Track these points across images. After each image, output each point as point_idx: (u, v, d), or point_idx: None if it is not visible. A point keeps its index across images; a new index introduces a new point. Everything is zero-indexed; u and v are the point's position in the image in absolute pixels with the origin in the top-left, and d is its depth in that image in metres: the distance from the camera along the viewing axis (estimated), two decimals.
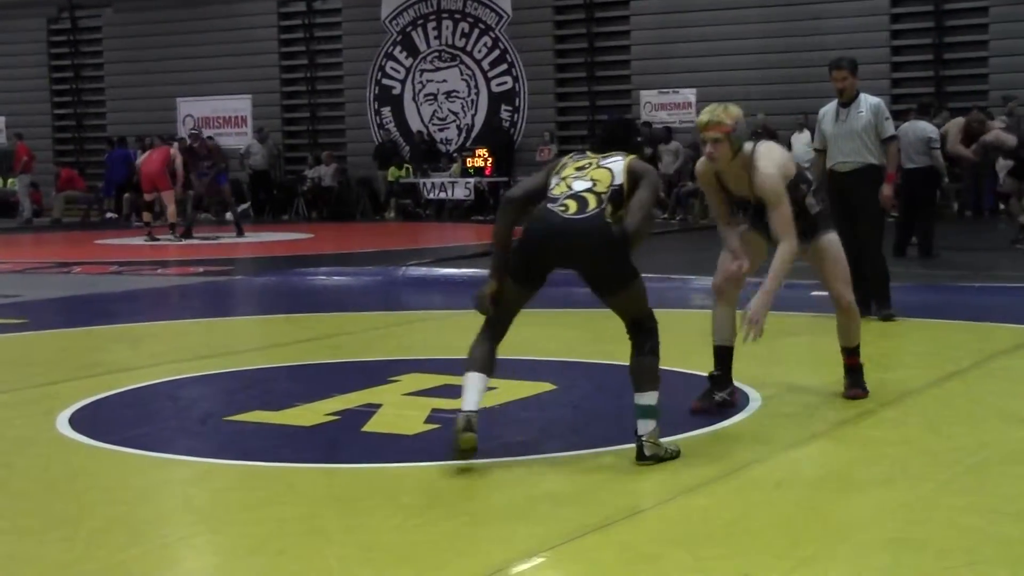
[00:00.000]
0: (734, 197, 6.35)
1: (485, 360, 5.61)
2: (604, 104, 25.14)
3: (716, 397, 6.49)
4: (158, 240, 19.64)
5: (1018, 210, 15.53)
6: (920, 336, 9.20)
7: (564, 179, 5.61)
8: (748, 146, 6.18)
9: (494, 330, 5.70)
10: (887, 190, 9.71)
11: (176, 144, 20.97)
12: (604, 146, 5.75)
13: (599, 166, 5.61)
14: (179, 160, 19.98)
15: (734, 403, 6.54)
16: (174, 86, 28.48)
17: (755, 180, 6.13)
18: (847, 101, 9.71)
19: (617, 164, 5.59)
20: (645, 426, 5.44)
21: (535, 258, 5.55)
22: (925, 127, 14.63)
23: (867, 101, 9.72)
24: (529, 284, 5.62)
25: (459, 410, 5.43)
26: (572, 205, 5.47)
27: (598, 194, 5.48)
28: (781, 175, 6.17)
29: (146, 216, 20.46)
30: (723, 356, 6.54)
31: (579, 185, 5.54)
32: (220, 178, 20.72)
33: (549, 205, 5.53)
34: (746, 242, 6.44)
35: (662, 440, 5.49)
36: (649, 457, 5.41)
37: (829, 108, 9.89)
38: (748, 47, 23.43)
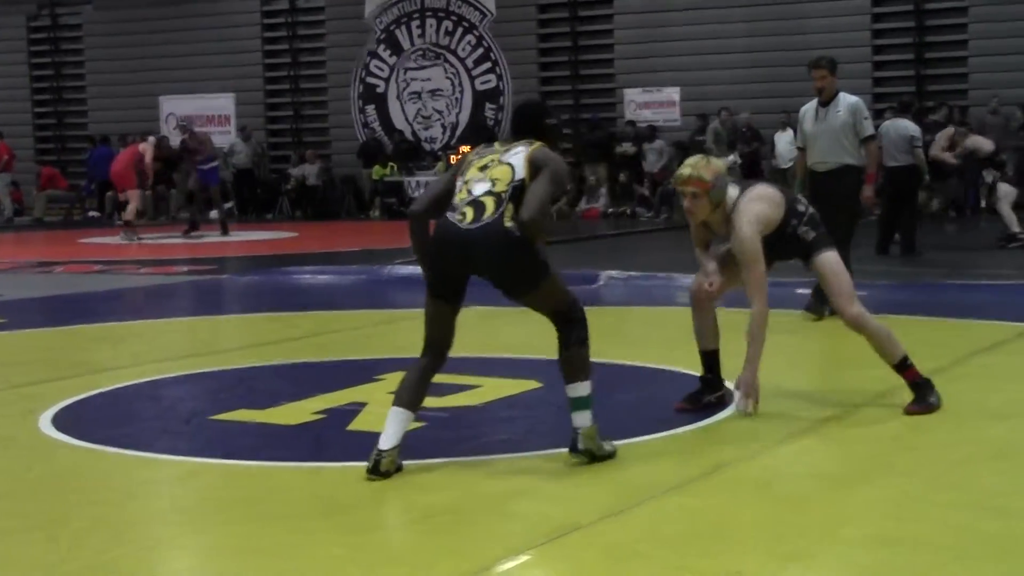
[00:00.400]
0: (718, 234, 6.39)
1: (409, 394, 5.46)
2: (588, 103, 25.16)
3: (704, 399, 6.50)
4: (140, 239, 19.58)
5: (1010, 215, 15.57)
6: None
7: (466, 182, 5.44)
8: (732, 194, 6.21)
9: (432, 353, 5.56)
10: (868, 191, 9.71)
11: (150, 140, 20.80)
12: (515, 134, 5.56)
13: (500, 162, 5.43)
14: (149, 157, 19.83)
15: (724, 405, 6.53)
16: (156, 84, 28.39)
17: (733, 238, 6.19)
18: (826, 100, 9.72)
19: (518, 157, 5.41)
20: (581, 418, 5.38)
21: (440, 272, 5.45)
22: (907, 125, 14.70)
23: (845, 100, 9.72)
24: (446, 298, 5.49)
25: (377, 444, 5.31)
26: (469, 213, 5.33)
27: (497, 195, 5.31)
28: (758, 232, 6.17)
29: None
30: (709, 360, 6.55)
31: (478, 188, 5.38)
32: (212, 177, 20.59)
33: (448, 214, 5.39)
34: (726, 266, 6.43)
35: (605, 445, 5.46)
36: (582, 451, 5.36)
37: (809, 107, 9.90)
38: (732, 46, 23.46)
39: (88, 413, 6.87)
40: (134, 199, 19.64)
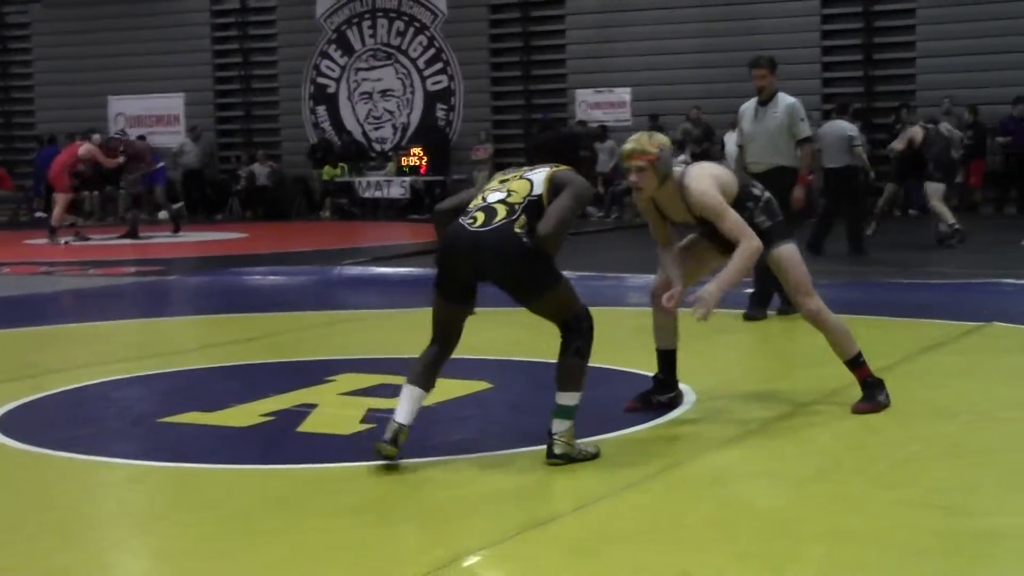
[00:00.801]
0: (675, 223, 6.28)
1: (423, 375, 5.53)
2: (539, 103, 25.21)
3: (655, 400, 6.49)
4: (89, 239, 19.43)
5: (943, 211, 15.75)
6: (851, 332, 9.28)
7: (484, 191, 5.57)
8: (677, 171, 6.10)
9: (439, 346, 5.61)
10: (798, 192, 9.59)
11: (95, 139, 20.58)
12: (548, 158, 5.67)
13: (521, 177, 5.55)
14: (100, 157, 19.63)
15: (675, 406, 6.53)
16: (105, 84, 28.19)
17: (692, 201, 6.03)
18: (765, 100, 9.71)
19: (539, 175, 5.52)
20: (559, 425, 5.41)
21: (448, 272, 5.50)
22: (845, 126, 14.92)
23: (783, 101, 9.69)
24: (455, 299, 5.53)
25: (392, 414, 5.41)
26: (480, 217, 5.41)
27: (511, 205, 5.41)
28: (717, 186, 6.07)
29: (69, 217, 20.13)
30: (666, 360, 6.52)
31: (493, 197, 5.49)
32: (158, 178, 20.39)
33: (461, 218, 5.49)
34: (693, 254, 6.36)
35: (580, 441, 5.47)
36: (559, 455, 5.38)
37: (749, 106, 9.88)
38: (683, 46, 23.58)
39: (35, 416, 6.80)
40: (60, 203, 19.41)
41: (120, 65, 28.03)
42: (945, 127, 16.24)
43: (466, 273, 5.47)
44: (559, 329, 5.55)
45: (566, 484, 5.18)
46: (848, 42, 23.20)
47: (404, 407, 5.41)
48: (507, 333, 8.72)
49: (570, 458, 5.39)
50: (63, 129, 27.56)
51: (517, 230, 5.35)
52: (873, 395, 6.35)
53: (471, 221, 5.43)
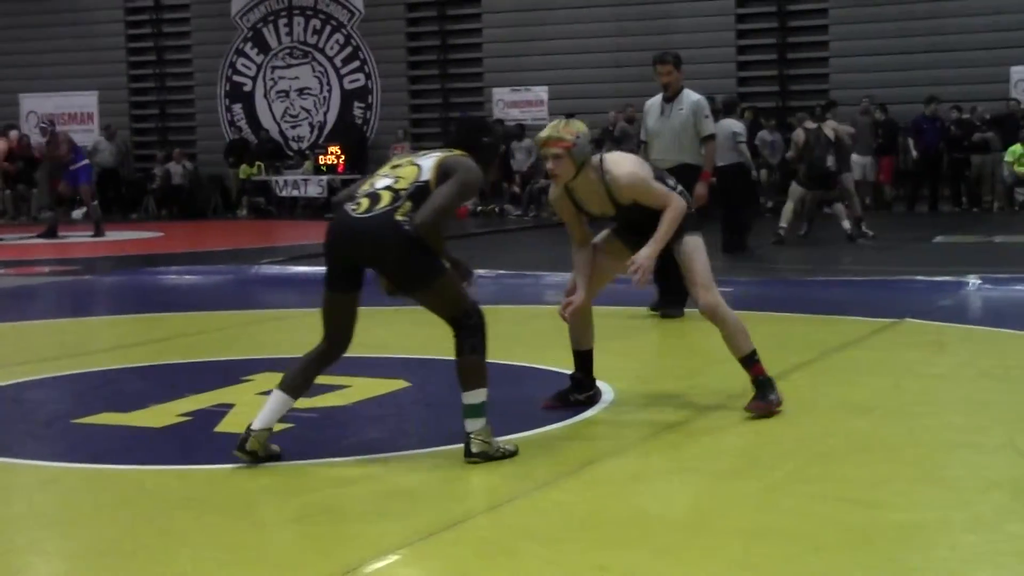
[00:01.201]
0: (594, 217, 6.26)
1: (297, 378, 5.50)
2: (457, 101, 25.21)
3: (572, 398, 6.51)
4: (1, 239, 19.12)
5: (842, 211, 16.02)
6: (765, 329, 9.38)
7: (373, 177, 5.56)
8: (595, 159, 6.08)
9: (327, 343, 5.55)
10: (701, 189, 9.49)
11: (12, 135, 20.14)
12: (449, 144, 5.64)
13: (412, 163, 5.51)
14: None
15: (593, 404, 6.54)
16: (16, 81, 27.77)
17: (620, 185, 6.03)
18: (671, 96, 9.68)
19: (429, 160, 5.47)
20: (473, 424, 5.38)
21: (332, 259, 5.47)
22: (731, 124, 15.28)
23: (688, 98, 9.65)
24: (341, 288, 5.46)
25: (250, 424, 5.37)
26: (364, 203, 5.38)
27: (396, 191, 5.37)
28: (639, 166, 6.15)
29: None
30: (582, 359, 6.52)
31: (381, 183, 5.46)
32: (82, 175, 19.90)
33: (346, 204, 5.45)
34: (606, 254, 6.36)
35: (499, 439, 5.47)
36: (477, 454, 5.35)
37: (654, 102, 9.83)
38: (599, 45, 23.68)
39: None
40: None
41: (32, 62, 27.62)
42: (831, 127, 16.26)
43: (349, 260, 5.42)
44: (451, 327, 5.49)
45: (482, 483, 5.18)
46: (763, 41, 23.43)
47: (262, 412, 5.36)
48: (425, 331, 8.70)
49: (488, 456, 5.38)
50: None
51: (399, 217, 5.30)
52: (765, 394, 6.26)
53: (355, 207, 5.39)
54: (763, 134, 22.24)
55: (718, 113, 14.03)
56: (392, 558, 4.21)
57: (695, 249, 6.23)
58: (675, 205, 6.06)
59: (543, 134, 6.07)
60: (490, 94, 24.83)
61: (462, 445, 5.40)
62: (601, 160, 6.10)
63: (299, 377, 5.51)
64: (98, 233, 19.58)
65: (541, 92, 24.46)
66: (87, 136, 26.60)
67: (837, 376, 7.43)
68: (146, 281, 13.62)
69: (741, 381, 6.96)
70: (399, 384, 7.27)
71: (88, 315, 11.78)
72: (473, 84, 25.30)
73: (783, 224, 15.87)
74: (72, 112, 27.67)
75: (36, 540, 4.63)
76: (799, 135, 16.05)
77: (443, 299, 5.43)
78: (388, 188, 5.41)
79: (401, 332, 9.20)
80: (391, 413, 6.63)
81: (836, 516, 4.59)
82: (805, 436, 5.88)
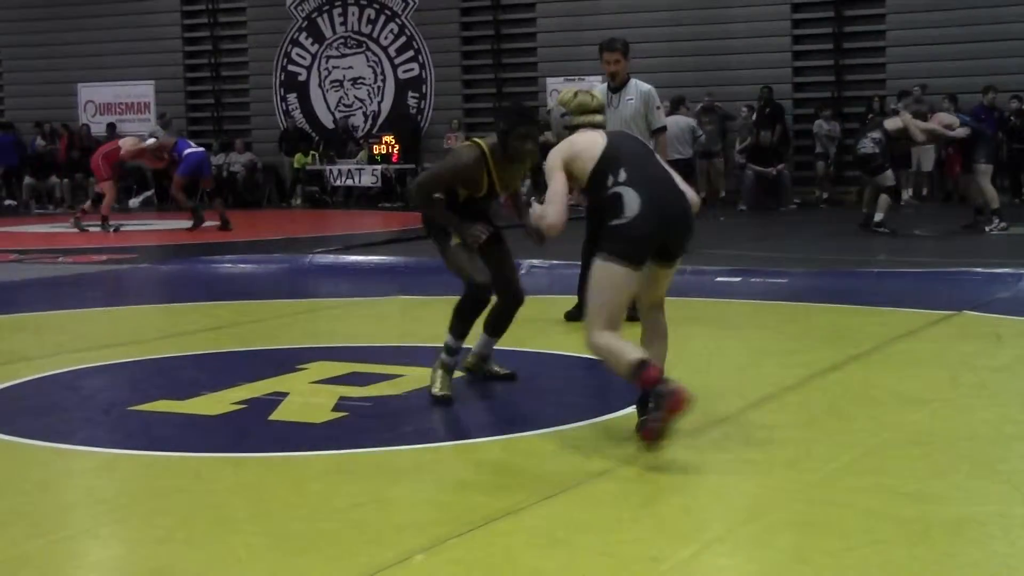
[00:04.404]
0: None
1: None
2: (511, 91, 25.18)
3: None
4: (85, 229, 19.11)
5: (870, 200, 15.77)
6: (820, 321, 9.34)
7: None
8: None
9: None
10: None
11: (151, 141, 19.76)
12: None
13: None
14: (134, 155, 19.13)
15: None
16: (74, 71, 28.01)
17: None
18: (618, 86, 9.20)
19: None
20: (439, 358, 6.44)
21: None
22: (684, 119, 16.26)
23: (638, 88, 9.20)
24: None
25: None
26: None
27: None
28: (570, 152, 5.57)
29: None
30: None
31: None
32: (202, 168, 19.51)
33: None
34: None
35: (441, 383, 6.38)
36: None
37: (598, 92, 9.47)
38: (654, 35, 23.56)
39: (6, 404, 6.76)
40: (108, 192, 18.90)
41: (89, 52, 27.85)
42: (903, 120, 15.91)
43: None
44: None
45: (536, 473, 5.18)
46: (819, 31, 23.24)
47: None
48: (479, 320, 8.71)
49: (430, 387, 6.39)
50: (31, 117, 27.43)
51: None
52: (647, 418, 5.33)
53: None
54: (819, 123, 22.12)
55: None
56: (443, 548, 4.21)
57: (594, 278, 5.42)
58: (549, 210, 5.45)
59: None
60: (544, 84, 24.78)
61: (516, 436, 5.42)
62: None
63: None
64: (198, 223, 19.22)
65: (595, 81, 24.33)
66: (143, 125, 26.78)
67: (892, 368, 7.37)
68: (202, 270, 13.72)
69: (794, 372, 6.94)
70: (457, 372, 7.26)
71: (144, 303, 11.88)
72: (527, 74, 25.25)
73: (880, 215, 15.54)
74: (129, 102, 27.90)
75: (92, 526, 4.67)
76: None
77: (451, 266, 6.49)
78: None
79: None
80: (442, 404, 6.63)
81: (891, 510, 4.55)
82: (860, 428, 5.84)
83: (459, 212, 6.48)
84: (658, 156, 5.83)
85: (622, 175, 5.36)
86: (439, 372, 6.43)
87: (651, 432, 5.17)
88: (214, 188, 20.81)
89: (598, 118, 5.77)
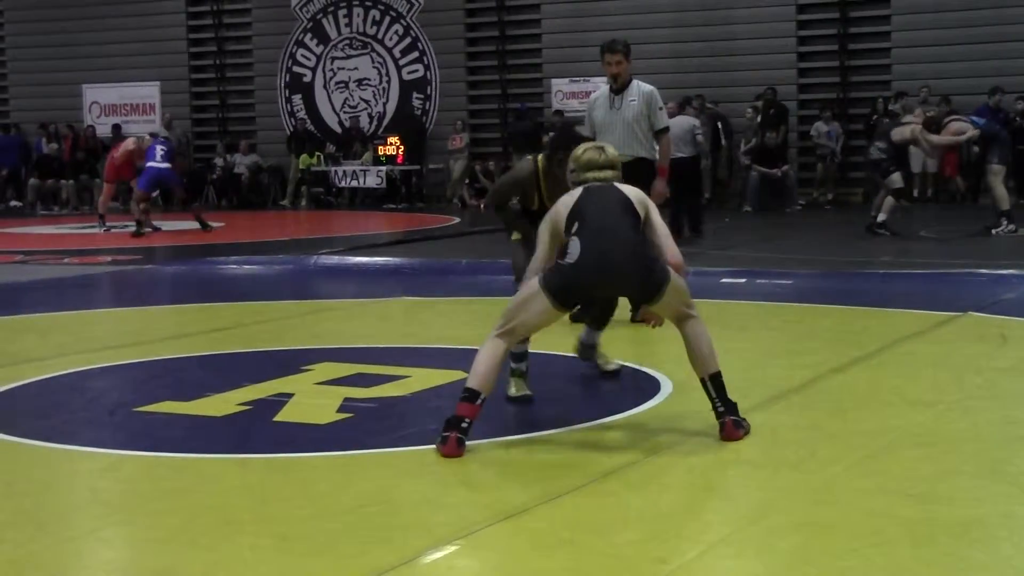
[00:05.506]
0: None
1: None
2: (515, 92, 25.18)
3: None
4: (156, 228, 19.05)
5: (882, 202, 15.73)
6: (826, 322, 9.33)
7: None
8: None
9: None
10: (660, 186, 9.04)
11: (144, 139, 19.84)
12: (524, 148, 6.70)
13: None
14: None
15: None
16: (79, 72, 28.03)
17: None
18: (620, 88, 9.16)
19: None
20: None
21: None
22: (688, 119, 16.59)
23: (640, 88, 9.17)
24: None
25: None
26: None
27: None
28: (556, 209, 5.82)
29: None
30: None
31: None
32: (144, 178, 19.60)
33: None
34: None
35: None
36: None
37: (601, 94, 9.34)
38: (660, 36, 23.56)
39: (9, 405, 6.77)
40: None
41: (95, 54, 27.87)
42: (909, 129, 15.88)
43: None
44: None
45: (541, 474, 5.18)
46: (824, 32, 23.22)
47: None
48: (485, 322, 8.71)
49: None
50: (36, 118, 27.45)
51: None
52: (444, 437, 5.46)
53: None
54: (818, 125, 22.12)
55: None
56: (449, 549, 4.21)
57: (522, 294, 5.68)
58: (529, 282, 5.64)
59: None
60: (549, 85, 24.78)
61: (521, 437, 5.41)
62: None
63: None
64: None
65: (600, 83, 24.34)
66: (149, 127, 26.81)
67: (898, 369, 7.36)
68: (207, 271, 13.72)
69: (799, 373, 6.93)
70: (458, 375, 7.24)
71: (149, 304, 11.88)
72: (532, 75, 25.24)
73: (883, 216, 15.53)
74: (134, 103, 27.92)
75: (97, 527, 4.67)
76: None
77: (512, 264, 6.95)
78: None
79: (460, 322, 9.21)
80: (449, 404, 6.58)
81: (896, 511, 4.55)
82: (865, 430, 5.83)
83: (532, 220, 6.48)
84: (629, 209, 5.69)
85: (575, 227, 5.60)
86: (510, 378, 6.52)
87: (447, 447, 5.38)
88: (186, 196, 20.81)
89: (605, 173, 5.82)
